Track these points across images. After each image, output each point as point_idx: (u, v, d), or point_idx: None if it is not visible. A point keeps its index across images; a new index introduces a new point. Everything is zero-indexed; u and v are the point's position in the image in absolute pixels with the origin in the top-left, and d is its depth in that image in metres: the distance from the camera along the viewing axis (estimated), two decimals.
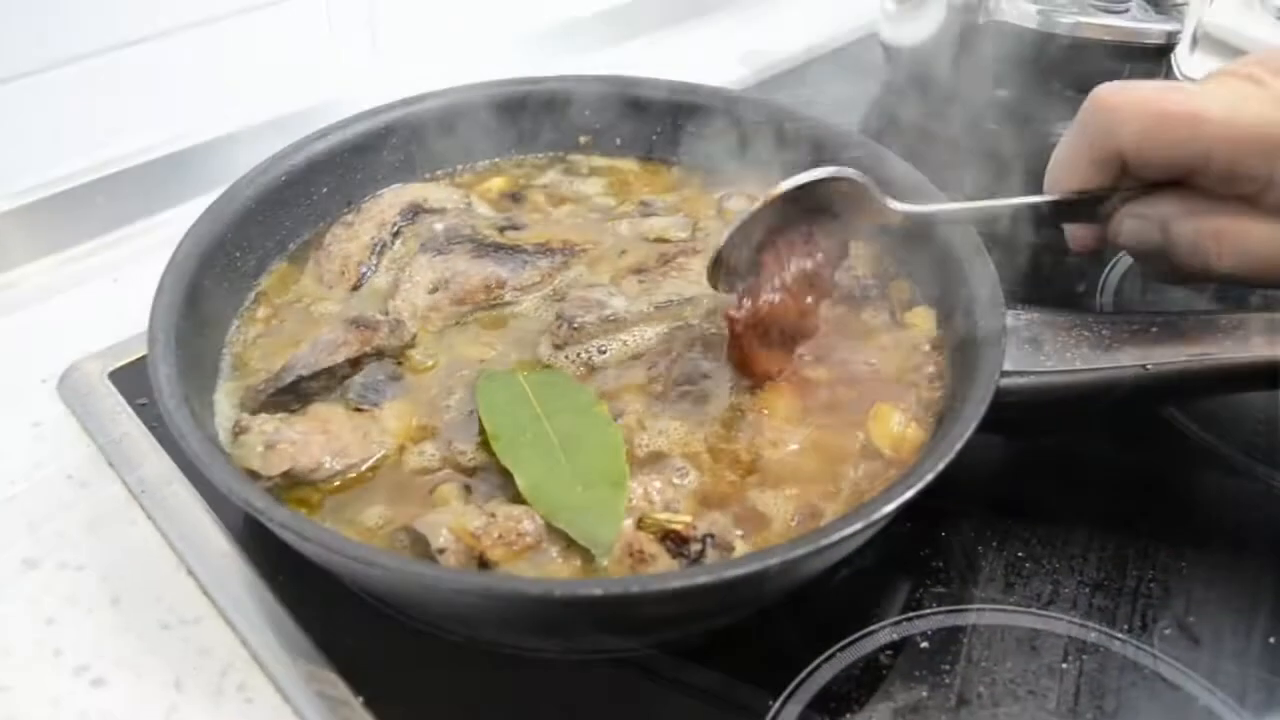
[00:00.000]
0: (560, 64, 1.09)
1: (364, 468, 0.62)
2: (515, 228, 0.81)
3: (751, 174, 0.85)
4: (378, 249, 0.77)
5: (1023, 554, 0.65)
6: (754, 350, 0.66)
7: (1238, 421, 0.75)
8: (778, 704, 0.56)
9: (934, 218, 0.70)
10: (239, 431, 0.62)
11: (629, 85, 0.89)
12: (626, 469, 0.59)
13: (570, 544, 0.56)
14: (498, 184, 0.87)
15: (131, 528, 0.65)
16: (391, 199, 0.81)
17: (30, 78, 0.84)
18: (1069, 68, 0.93)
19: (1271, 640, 0.61)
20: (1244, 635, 0.61)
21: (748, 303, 0.65)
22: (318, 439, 0.61)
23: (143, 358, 0.61)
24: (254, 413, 0.64)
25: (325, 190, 0.80)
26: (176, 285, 0.65)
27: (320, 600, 0.59)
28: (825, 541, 0.51)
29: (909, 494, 0.53)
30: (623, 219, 0.82)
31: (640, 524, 0.57)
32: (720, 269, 0.67)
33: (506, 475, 0.59)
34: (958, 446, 0.56)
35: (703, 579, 0.49)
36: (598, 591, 0.49)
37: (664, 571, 0.55)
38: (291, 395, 0.65)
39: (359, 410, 0.64)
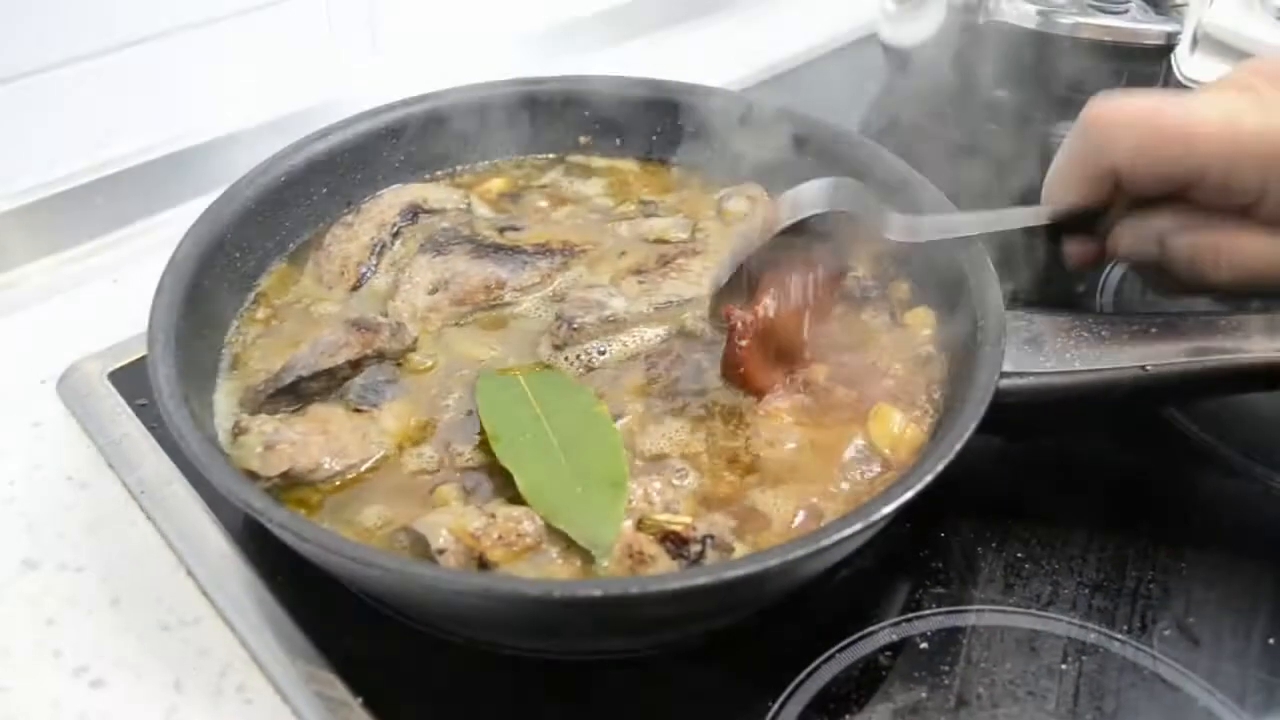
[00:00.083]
0: (560, 64, 1.09)
1: (363, 468, 0.62)
2: (515, 228, 0.81)
3: (751, 175, 0.86)
4: (377, 249, 0.77)
5: (1022, 555, 0.65)
6: (748, 362, 0.66)
7: (1238, 422, 0.75)
8: (777, 705, 0.56)
9: (931, 239, 0.70)
10: (238, 432, 0.62)
11: (629, 86, 0.89)
12: (626, 470, 0.59)
13: (570, 545, 0.56)
14: (497, 184, 0.87)
15: (131, 528, 0.65)
16: (391, 199, 0.81)
17: (30, 78, 0.84)
18: (1068, 68, 0.93)
19: (1271, 641, 0.61)
20: (1243, 636, 0.61)
21: (747, 316, 0.65)
22: (317, 439, 0.61)
23: (142, 358, 0.61)
24: (253, 413, 0.64)
25: (325, 191, 0.80)
26: (176, 286, 0.65)
27: (320, 601, 0.59)
28: (824, 542, 0.51)
29: (908, 495, 0.53)
30: (622, 220, 0.82)
31: (640, 525, 0.57)
32: (721, 304, 0.67)
33: (506, 476, 0.59)
34: (957, 447, 0.56)
35: (702, 580, 0.49)
36: (597, 593, 0.49)
37: (664, 573, 0.54)
38: (291, 396, 0.65)
39: (358, 411, 0.64)
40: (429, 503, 0.60)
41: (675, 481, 0.61)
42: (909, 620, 0.61)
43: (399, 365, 0.69)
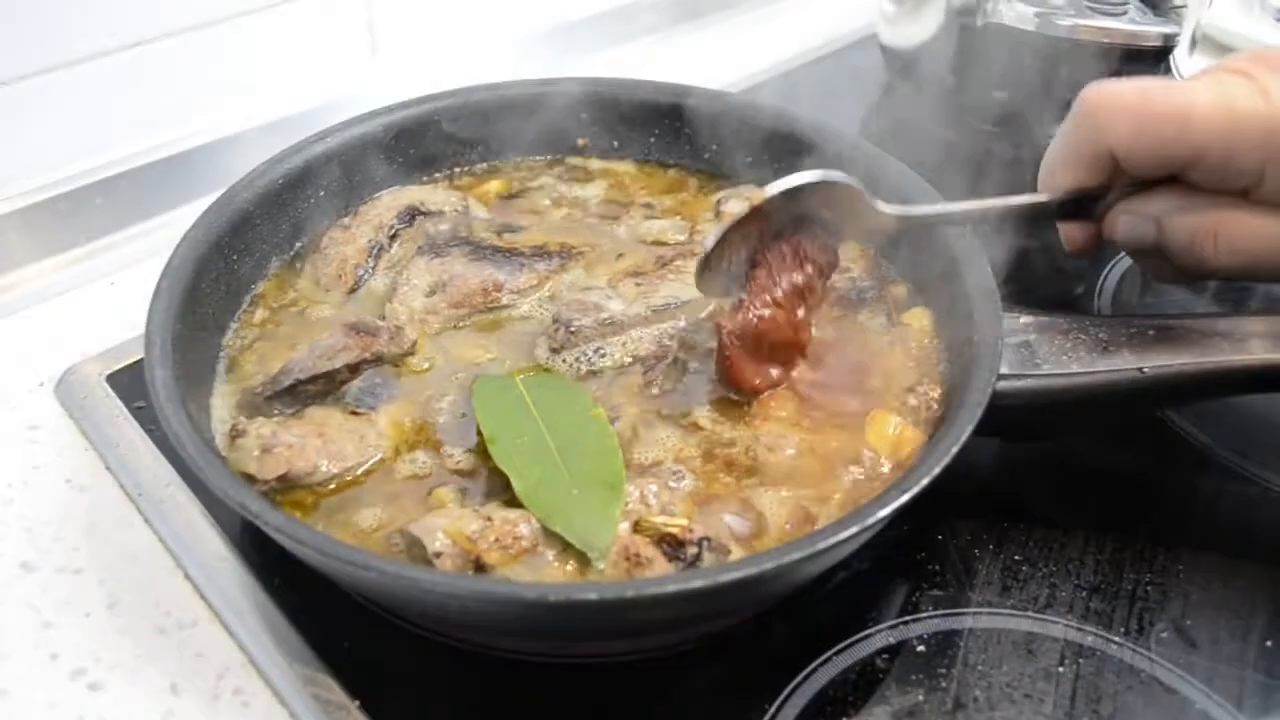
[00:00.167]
0: (558, 66, 1.10)
1: (360, 471, 0.62)
2: (512, 230, 0.81)
3: (749, 176, 0.86)
4: (375, 252, 0.77)
5: (1019, 557, 0.65)
6: (742, 363, 0.65)
7: (1235, 424, 0.75)
8: (774, 707, 0.56)
9: (926, 220, 0.69)
10: (235, 435, 0.62)
11: (627, 88, 0.89)
12: (623, 472, 0.59)
13: (566, 547, 0.56)
14: (495, 186, 0.87)
15: (129, 531, 0.65)
16: (389, 202, 0.81)
17: (28, 80, 0.84)
18: (1067, 70, 0.93)
19: (1268, 644, 0.61)
20: (1241, 638, 0.61)
21: (737, 316, 0.65)
22: (314, 443, 0.61)
23: (140, 361, 0.61)
24: (250, 416, 0.64)
25: (323, 193, 0.80)
26: (174, 288, 0.65)
27: (317, 604, 0.59)
28: (821, 545, 0.51)
29: (904, 498, 0.53)
30: (620, 222, 0.82)
31: (637, 527, 0.57)
32: (708, 274, 0.66)
33: (503, 478, 0.59)
34: (954, 450, 0.56)
35: (698, 583, 0.49)
36: (593, 596, 0.49)
37: (660, 575, 0.54)
38: (288, 399, 0.65)
39: (355, 414, 0.65)
40: (425, 505, 0.60)
41: (672, 484, 0.61)
42: (906, 623, 0.61)
43: (396, 368, 0.69)
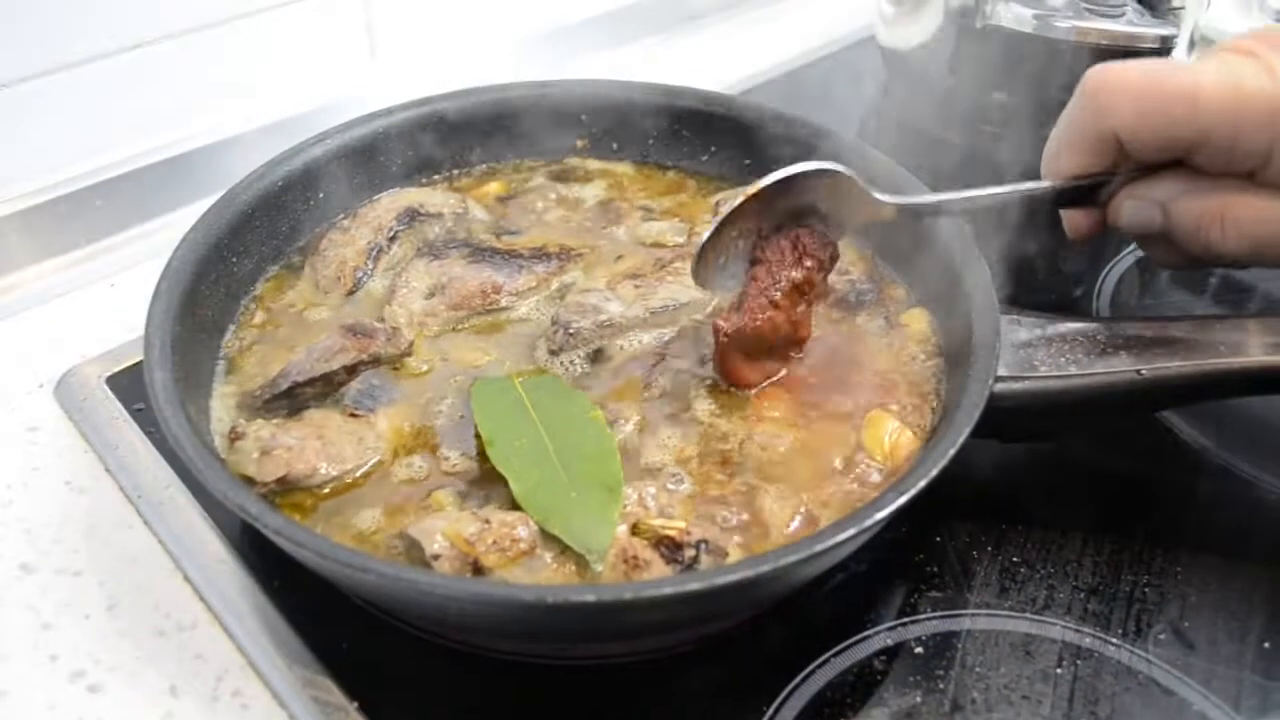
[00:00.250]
0: (557, 68, 1.10)
1: (359, 473, 0.62)
2: (511, 232, 0.81)
3: (747, 178, 0.85)
4: (374, 254, 0.77)
5: (1017, 559, 0.65)
6: (738, 362, 0.66)
7: (1234, 426, 0.75)
8: (772, 709, 0.56)
9: (926, 209, 0.68)
10: (235, 437, 0.62)
11: (625, 90, 0.89)
12: (621, 475, 0.59)
13: (565, 550, 0.56)
14: (494, 188, 0.87)
15: (128, 533, 0.65)
16: (388, 204, 0.81)
17: (28, 82, 0.84)
18: (1065, 72, 0.93)
19: (1266, 645, 0.61)
20: (1239, 640, 0.61)
21: (735, 318, 0.65)
22: (313, 445, 0.61)
23: (140, 363, 0.61)
24: (250, 418, 0.64)
25: (322, 195, 0.81)
26: (173, 290, 0.65)
27: (316, 606, 0.60)
28: (818, 548, 0.51)
29: (902, 500, 0.53)
30: (619, 224, 0.83)
31: (635, 530, 0.57)
32: (705, 267, 0.66)
33: (501, 481, 0.59)
34: (951, 452, 0.56)
35: (696, 586, 0.49)
36: (591, 598, 0.49)
37: (658, 578, 0.55)
38: (287, 401, 0.65)
39: (354, 416, 0.65)
40: (424, 508, 0.60)
41: (670, 486, 0.61)
42: (904, 625, 0.61)
43: (395, 370, 0.69)
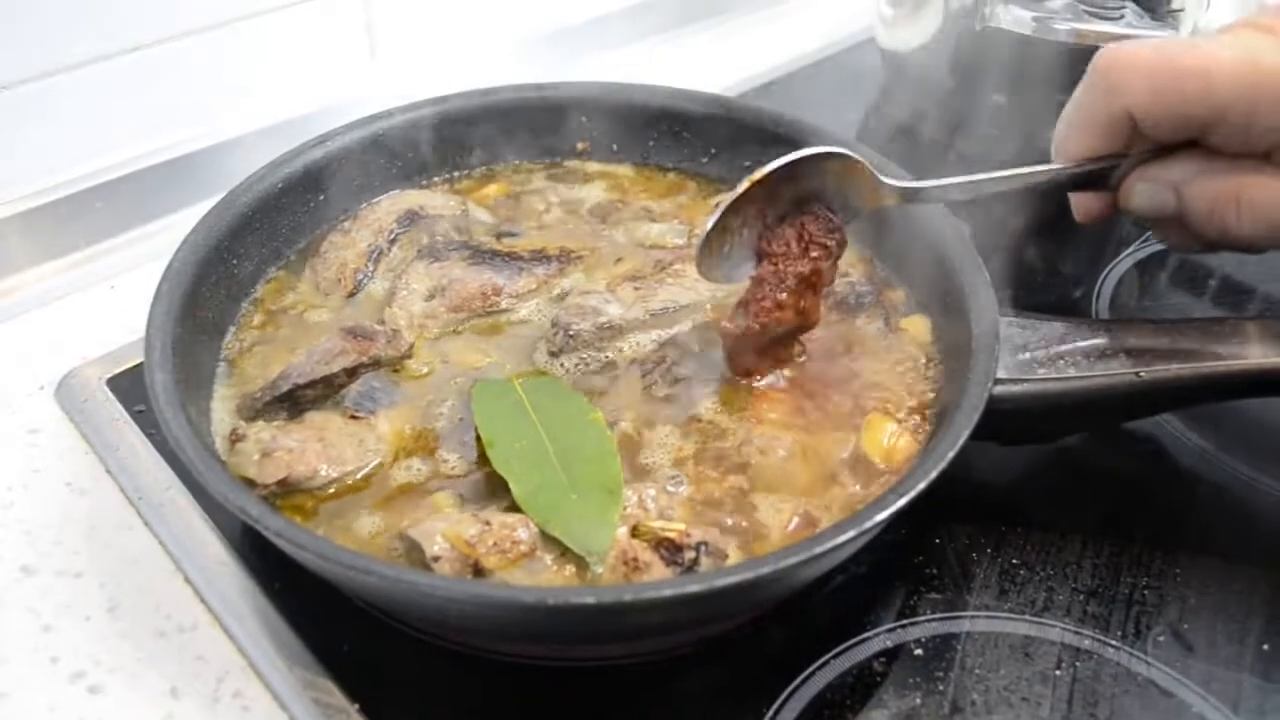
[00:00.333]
0: (558, 70, 1.10)
1: (359, 475, 0.62)
2: (512, 234, 0.81)
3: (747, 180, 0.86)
4: (374, 256, 0.77)
5: (1017, 561, 0.65)
6: (749, 359, 0.66)
7: (1233, 428, 0.75)
8: (772, 711, 0.56)
9: (933, 194, 0.67)
10: (235, 439, 0.62)
11: (626, 91, 0.89)
12: (621, 477, 0.59)
13: (565, 551, 0.56)
14: (495, 190, 0.87)
15: (129, 535, 0.66)
16: (389, 206, 0.81)
17: (28, 84, 0.84)
18: (1065, 74, 0.93)
19: (1265, 647, 0.61)
20: (1238, 642, 0.61)
21: (741, 321, 0.65)
22: (313, 447, 0.62)
23: (140, 364, 0.61)
24: (250, 420, 0.65)
25: (322, 197, 0.81)
26: (174, 292, 0.65)
27: (316, 607, 0.60)
28: (818, 550, 0.51)
29: (901, 502, 0.53)
30: (619, 226, 0.83)
31: (635, 532, 0.57)
32: (709, 257, 0.65)
33: (501, 483, 0.59)
34: (950, 455, 0.56)
35: (695, 587, 0.50)
36: (590, 600, 0.49)
37: (657, 579, 0.55)
38: (287, 403, 0.65)
39: (354, 418, 0.65)
40: (425, 509, 0.60)
41: (670, 488, 0.61)
42: (904, 626, 0.61)
43: (395, 372, 0.69)
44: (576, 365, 0.69)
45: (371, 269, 0.77)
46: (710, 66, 1.22)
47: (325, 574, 0.55)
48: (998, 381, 0.62)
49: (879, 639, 0.60)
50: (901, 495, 0.54)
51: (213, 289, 0.70)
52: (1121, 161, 0.65)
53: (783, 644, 0.60)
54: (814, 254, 0.64)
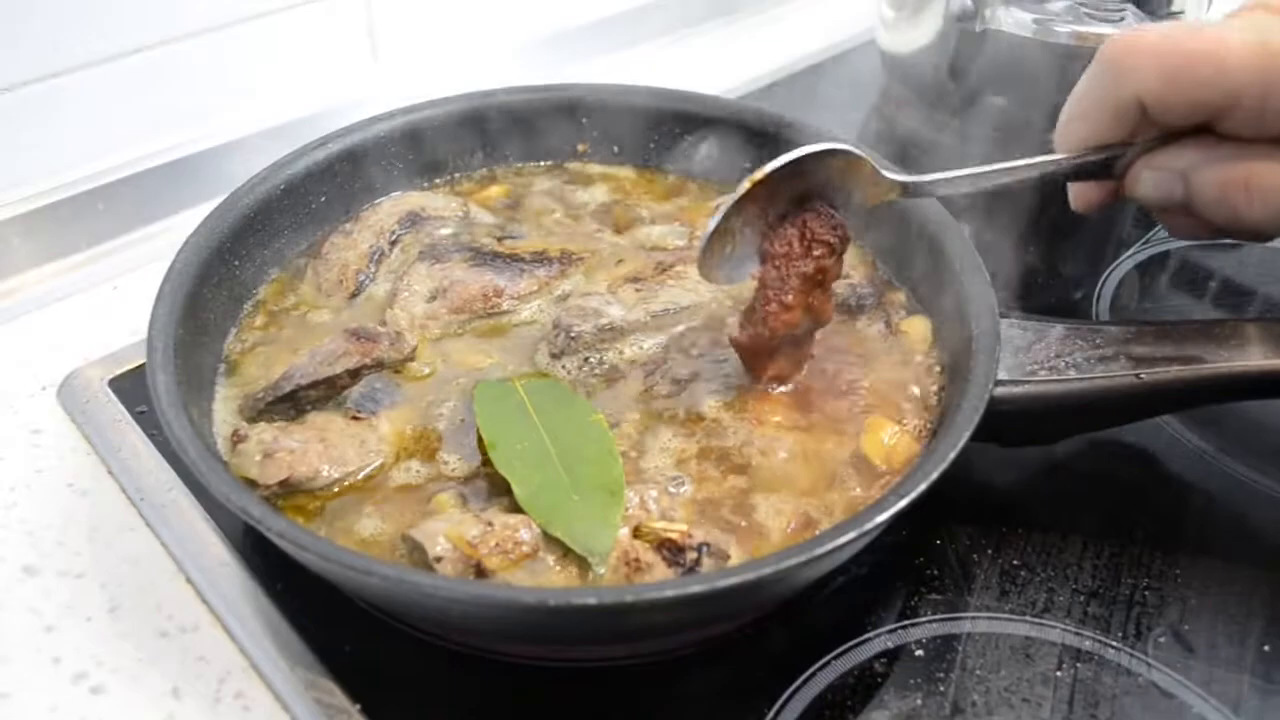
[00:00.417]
0: (558, 72, 1.10)
1: (361, 476, 0.63)
2: (513, 236, 0.82)
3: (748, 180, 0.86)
4: (376, 257, 0.77)
5: (1018, 562, 0.65)
6: (765, 363, 0.66)
7: (1233, 429, 0.75)
8: (773, 712, 0.56)
9: (935, 187, 0.66)
10: (237, 440, 0.62)
11: (627, 94, 0.89)
12: (623, 478, 0.59)
13: (567, 552, 0.56)
14: (496, 192, 0.87)
15: (130, 535, 0.66)
16: (390, 207, 0.81)
17: (30, 86, 0.85)
18: (1065, 76, 0.93)
19: (1266, 648, 0.61)
20: (1239, 643, 0.61)
21: (750, 329, 0.64)
22: (315, 448, 0.62)
23: (142, 365, 0.61)
24: (252, 421, 0.65)
25: (324, 198, 0.81)
26: (176, 293, 0.65)
27: (318, 608, 0.60)
28: (819, 551, 0.51)
29: (902, 504, 0.53)
30: (620, 227, 0.83)
31: (636, 532, 0.57)
32: (711, 260, 0.64)
33: (503, 484, 0.59)
34: (951, 456, 0.56)
35: (697, 588, 0.50)
36: (592, 600, 0.49)
37: (659, 580, 0.55)
38: (289, 404, 0.65)
39: (356, 419, 0.65)
40: (426, 510, 0.60)
41: (672, 489, 0.61)
42: (904, 627, 0.61)
43: (397, 373, 0.69)
44: (578, 367, 0.69)
45: (373, 270, 0.77)
46: (711, 68, 1.22)
47: (327, 575, 0.56)
48: (998, 383, 0.62)
49: (880, 640, 0.60)
50: (902, 497, 0.54)
51: (215, 290, 0.70)
52: (1125, 151, 0.64)
53: (784, 645, 0.60)
54: (817, 252, 0.64)
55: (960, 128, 1.05)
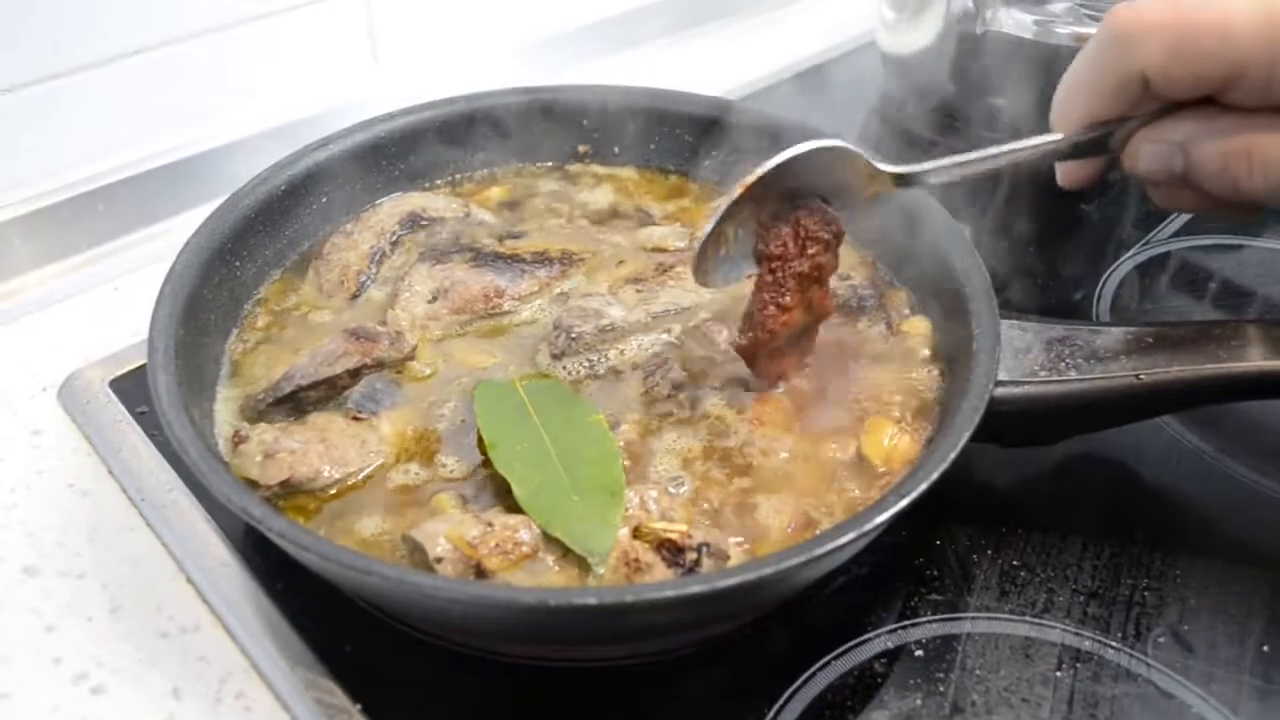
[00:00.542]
0: (559, 74, 1.10)
1: (361, 476, 0.63)
2: (514, 237, 0.82)
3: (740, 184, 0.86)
4: (377, 258, 0.77)
5: (1017, 562, 0.65)
6: (770, 364, 0.66)
7: (1233, 430, 0.75)
8: (773, 712, 0.56)
9: (929, 176, 0.66)
10: (238, 440, 0.62)
11: (627, 95, 0.90)
12: (623, 478, 0.59)
13: (567, 553, 0.56)
14: (496, 193, 0.87)
15: (131, 536, 0.66)
16: (391, 208, 0.81)
17: (30, 88, 0.85)
18: None
19: (1265, 648, 0.61)
20: (1238, 643, 0.61)
21: (750, 334, 0.64)
22: (316, 448, 0.62)
23: (143, 366, 0.61)
24: (253, 421, 0.65)
25: (325, 199, 0.81)
26: (176, 294, 0.65)
27: (319, 608, 0.60)
28: (819, 551, 0.51)
29: (902, 504, 0.53)
30: (621, 228, 0.83)
31: (636, 533, 0.57)
32: (705, 264, 0.64)
33: (504, 484, 0.60)
34: (951, 456, 0.56)
35: (696, 589, 0.50)
36: (592, 601, 0.49)
37: (659, 581, 0.55)
38: (290, 404, 0.65)
39: (357, 419, 0.65)
40: (427, 511, 0.60)
41: (672, 490, 0.61)
42: (904, 627, 0.61)
43: (398, 374, 0.69)
44: (579, 367, 0.69)
45: (374, 271, 0.77)
46: (713, 69, 1.22)
47: (327, 575, 0.56)
48: (998, 383, 0.62)
49: (880, 640, 0.60)
50: (902, 497, 0.54)
51: (215, 291, 0.70)
52: (1121, 126, 0.63)
53: (784, 645, 0.60)
54: (812, 250, 0.64)
55: (961, 129, 1.05)
